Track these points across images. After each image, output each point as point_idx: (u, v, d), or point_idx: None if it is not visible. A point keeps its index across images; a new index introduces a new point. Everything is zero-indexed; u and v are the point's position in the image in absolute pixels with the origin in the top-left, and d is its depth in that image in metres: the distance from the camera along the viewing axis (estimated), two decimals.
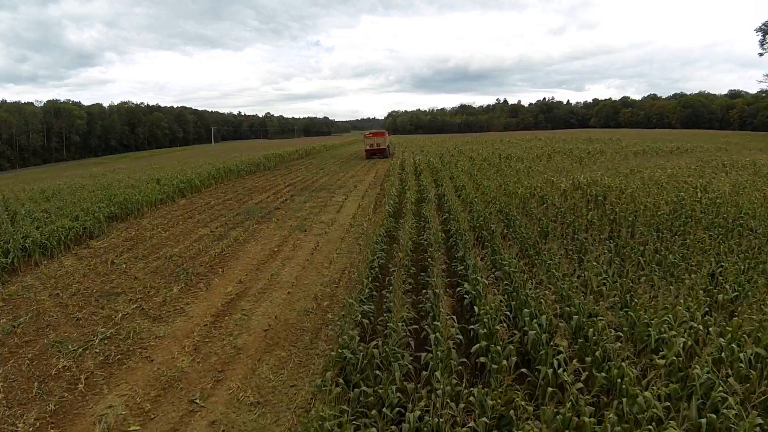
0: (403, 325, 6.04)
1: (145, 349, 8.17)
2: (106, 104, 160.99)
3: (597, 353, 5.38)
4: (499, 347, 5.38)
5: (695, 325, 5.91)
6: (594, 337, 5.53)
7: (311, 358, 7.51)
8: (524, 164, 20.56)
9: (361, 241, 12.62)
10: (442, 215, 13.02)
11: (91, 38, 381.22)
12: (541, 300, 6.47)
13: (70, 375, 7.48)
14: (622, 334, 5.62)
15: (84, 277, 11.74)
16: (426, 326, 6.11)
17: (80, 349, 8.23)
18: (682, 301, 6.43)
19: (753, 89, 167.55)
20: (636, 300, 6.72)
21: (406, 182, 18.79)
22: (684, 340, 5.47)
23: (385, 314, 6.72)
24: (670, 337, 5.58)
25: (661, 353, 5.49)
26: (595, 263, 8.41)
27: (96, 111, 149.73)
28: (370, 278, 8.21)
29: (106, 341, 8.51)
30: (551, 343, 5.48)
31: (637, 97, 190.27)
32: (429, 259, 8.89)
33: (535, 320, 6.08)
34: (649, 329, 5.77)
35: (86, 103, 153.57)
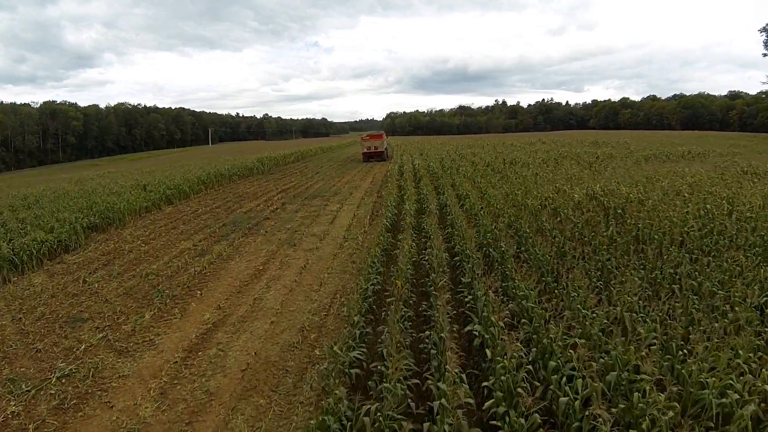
0: (401, 383, 4.92)
1: (105, 392, 7.08)
2: (104, 105, 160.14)
3: (644, 425, 4.28)
4: (522, 420, 4.26)
5: (758, 384, 4.80)
6: (640, 404, 4.42)
7: (294, 408, 6.40)
8: (531, 170, 19.36)
9: (356, 258, 11.48)
10: (445, 229, 11.88)
11: (90, 39, 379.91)
12: (570, 351, 5.33)
13: (19, 423, 6.41)
14: (677, 405, 4.46)
15: (52, 298, 10.67)
16: (429, 383, 4.99)
17: (34, 390, 7.16)
18: (741, 352, 5.29)
19: (753, 90, 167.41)
20: (682, 348, 5.58)
21: (404, 190, 17.61)
22: (754, 409, 4.37)
23: (379, 364, 5.60)
24: (733, 402, 4.49)
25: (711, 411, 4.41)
26: (624, 293, 7.29)
27: (92, 112, 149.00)
28: (363, 311, 7.09)
29: (64, 380, 7.44)
30: (587, 412, 4.37)
31: (637, 98, 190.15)
32: (431, 287, 7.77)
33: (561, 374, 4.98)
34: (704, 392, 4.66)
35: (85, 104, 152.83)
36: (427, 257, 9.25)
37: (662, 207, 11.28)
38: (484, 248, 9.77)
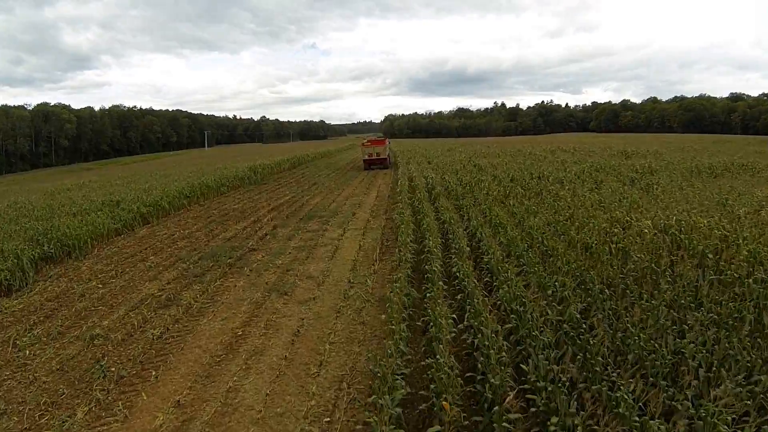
0: None
1: None
2: (99, 108, 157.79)
3: None
4: None
5: None
6: None
7: None
8: (567, 189, 16.61)
9: (366, 317, 8.73)
10: (483, 277, 9.12)
11: (87, 41, 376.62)
12: None
13: None
14: None
15: None
16: None
17: None
18: None
19: (754, 92, 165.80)
20: None
21: (421, 215, 14.51)
22: None
23: None
24: None
25: None
26: None
27: (86, 114, 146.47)
28: None
29: None
30: None
31: (636, 100, 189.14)
32: (491, 397, 5.07)
33: None
34: None
35: (83, 106, 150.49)
36: (470, 330, 6.55)
37: (762, 250, 8.59)
38: (545, 311, 7.10)
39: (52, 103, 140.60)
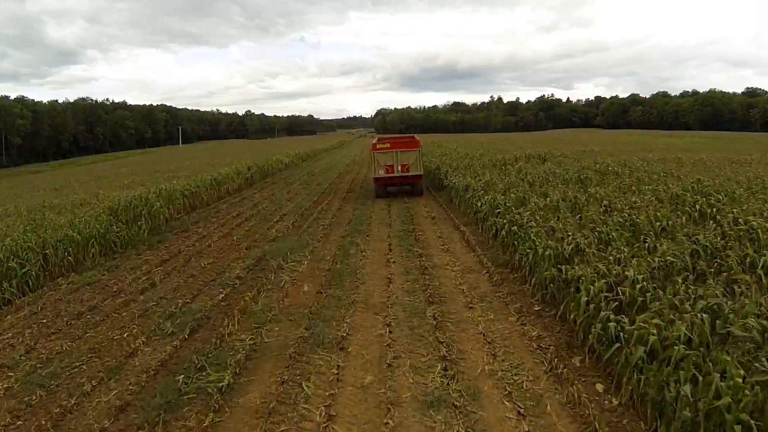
0: None
1: None
2: (65, 101, 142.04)
3: None
4: None
5: None
6: None
7: None
8: None
9: None
10: None
11: (73, 35, 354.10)
12: None
13: None
14: None
15: None
16: None
17: None
18: None
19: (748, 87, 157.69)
20: None
21: None
22: None
23: None
24: None
25: None
26: None
27: (44, 109, 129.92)
28: None
29: None
30: None
31: (625, 95, 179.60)
32: None
33: None
34: None
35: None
36: None
37: None
38: None
39: (12, 97, 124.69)
